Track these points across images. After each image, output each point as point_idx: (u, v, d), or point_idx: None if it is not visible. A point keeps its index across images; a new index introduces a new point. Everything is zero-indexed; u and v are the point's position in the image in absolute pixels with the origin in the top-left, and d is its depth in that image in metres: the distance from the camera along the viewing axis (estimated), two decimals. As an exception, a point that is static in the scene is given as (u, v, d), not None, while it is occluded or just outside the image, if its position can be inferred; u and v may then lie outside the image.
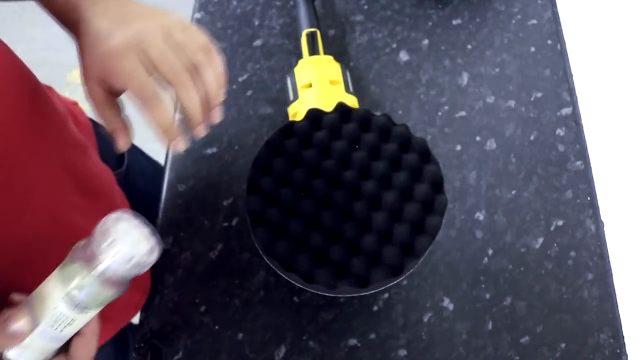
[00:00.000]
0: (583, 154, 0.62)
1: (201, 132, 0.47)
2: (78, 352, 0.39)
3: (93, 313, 0.38)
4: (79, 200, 0.49)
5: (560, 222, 0.58)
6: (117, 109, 0.45)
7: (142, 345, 0.52)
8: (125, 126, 0.45)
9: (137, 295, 0.55)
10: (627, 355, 0.53)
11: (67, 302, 0.36)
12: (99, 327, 0.42)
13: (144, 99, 0.41)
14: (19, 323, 0.35)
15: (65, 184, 0.48)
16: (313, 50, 0.63)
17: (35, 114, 0.44)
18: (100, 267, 0.35)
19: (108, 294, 0.36)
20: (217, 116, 0.47)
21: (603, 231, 0.58)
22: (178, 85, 0.42)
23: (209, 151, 0.63)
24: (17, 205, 0.41)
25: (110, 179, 0.59)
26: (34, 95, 0.45)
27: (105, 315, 0.46)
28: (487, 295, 0.55)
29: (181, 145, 0.44)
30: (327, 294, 0.50)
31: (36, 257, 0.43)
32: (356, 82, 0.65)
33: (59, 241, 0.41)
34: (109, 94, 0.44)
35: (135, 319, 0.58)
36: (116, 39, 0.41)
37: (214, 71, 0.44)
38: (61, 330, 0.37)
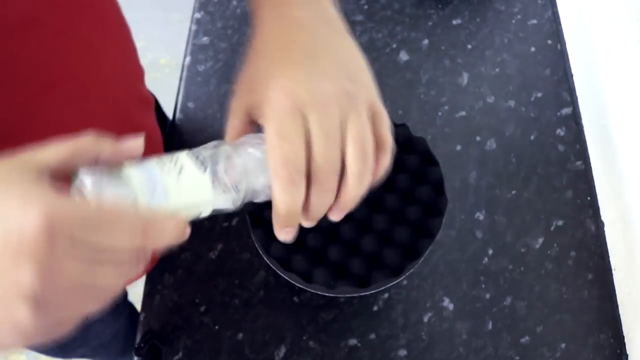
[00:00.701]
0: (583, 154, 0.62)
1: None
2: None
3: (185, 200, 0.33)
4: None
5: (560, 222, 0.58)
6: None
7: (143, 345, 0.52)
8: None
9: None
10: (627, 355, 0.53)
11: (189, 155, 0.33)
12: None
13: (282, 174, 0.33)
14: (137, 141, 0.31)
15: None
16: (313, 50, 0.63)
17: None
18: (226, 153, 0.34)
19: (207, 191, 0.33)
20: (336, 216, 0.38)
21: (603, 231, 0.58)
22: (317, 184, 0.34)
23: (209, 151, 0.63)
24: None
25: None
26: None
27: None
28: (487, 295, 0.55)
29: (290, 236, 0.37)
30: (327, 294, 0.50)
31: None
32: (356, 82, 0.65)
33: None
34: (248, 124, 0.37)
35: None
36: (282, 76, 0.33)
37: (367, 180, 0.35)
38: (160, 181, 0.32)
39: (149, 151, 0.33)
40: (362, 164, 0.34)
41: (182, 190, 0.33)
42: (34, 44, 0.38)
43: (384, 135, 0.36)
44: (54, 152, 0.28)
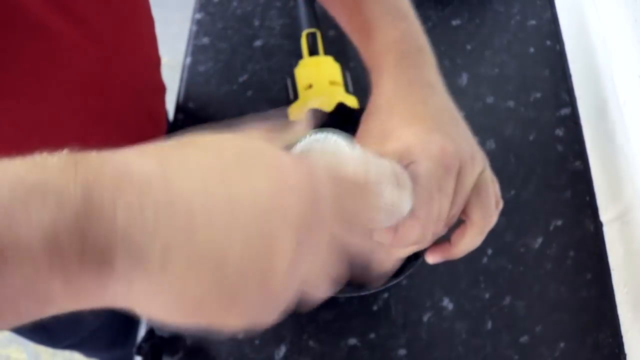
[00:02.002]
0: (582, 154, 0.62)
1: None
2: None
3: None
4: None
5: (559, 222, 0.58)
6: None
7: (143, 345, 0.52)
8: None
9: None
10: (625, 355, 0.53)
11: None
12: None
13: (424, 220, 0.33)
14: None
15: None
16: (313, 51, 0.64)
17: None
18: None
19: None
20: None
21: (602, 231, 0.59)
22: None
23: (209, 151, 0.63)
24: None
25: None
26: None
27: None
28: (487, 295, 0.55)
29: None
30: (327, 294, 0.50)
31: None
32: (356, 82, 0.65)
33: None
34: None
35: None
36: (433, 132, 0.34)
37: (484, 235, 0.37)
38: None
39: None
40: (485, 222, 0.36)
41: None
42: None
43: (498, 195, 0.38)
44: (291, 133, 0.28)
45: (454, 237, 0.37)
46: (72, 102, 0.43)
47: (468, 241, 0.37)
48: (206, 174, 0.22)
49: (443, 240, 0.38)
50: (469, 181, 0.34)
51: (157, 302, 0.22)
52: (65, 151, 0.21)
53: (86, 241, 0.20)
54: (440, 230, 0.34)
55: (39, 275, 0.20)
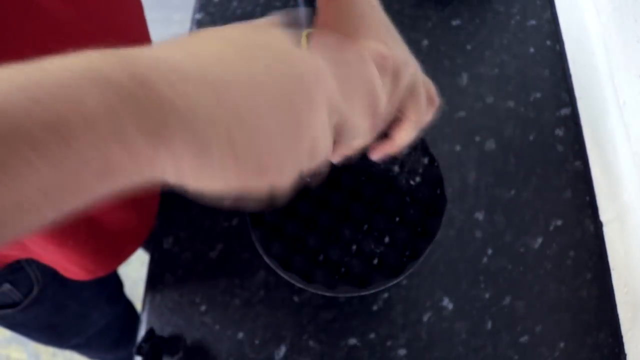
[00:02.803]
0: (582, 154, 0.62)
1: None
2: None
3: None
4: None
5: (559, 222, 0.58)
6: None
7: (143, 345, 0.53)
8: None
9: (141, 228, 0.59)
10: (625, 355, 0.53)
11: None
12: None
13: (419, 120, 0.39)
14: None
15: None
16: (313, 51, 0.64)
17: None
18: None
19: None
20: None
21: (602, 231, 0.59)
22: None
23: (209, 151, 0.63)
24: None
25: None
26: None
27: (114, 244, 0.48)
28: (487, 295, 0.55)
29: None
30: (326, 294, 0.50)
31: None
32: (356, 82, 0.65)
33: None
34: None
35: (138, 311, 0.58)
36: (373, 39, 0.39)
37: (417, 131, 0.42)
38: None
39: None
40: (418, 118, 0.40)
41: None
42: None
43: (434, 95, 0.43)
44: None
45: (392, 133, 0.41)
46: None
47: (404, 135, 0.41)
48: (226, 57, 0.26)
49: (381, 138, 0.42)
50: (403, 81, 0.38)
51: (202, 174, 0.25)
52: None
53: (141, 113, 0.22)
54: (379, 126, 0.38)
55: (102, 146, 0.21)
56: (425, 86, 0.42)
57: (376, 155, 0.42)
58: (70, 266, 0.57)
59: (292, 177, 0.29)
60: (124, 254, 0.62)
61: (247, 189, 0.27)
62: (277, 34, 0.28)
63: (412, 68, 0.40)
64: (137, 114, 0.22)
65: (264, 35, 0.28)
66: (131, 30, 0.53)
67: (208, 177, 0.25)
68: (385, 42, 0.40)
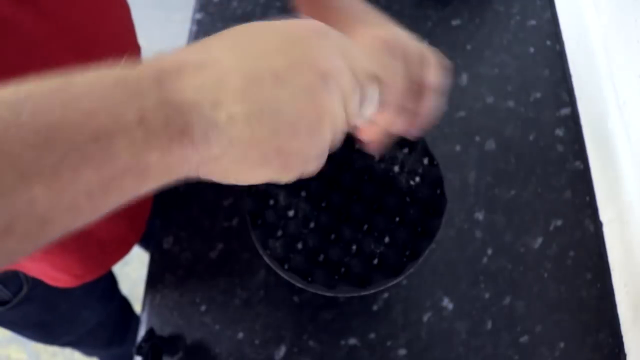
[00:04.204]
0: (582, 154, 0.62)
1: None
2: None
3: None
4: None
5: (559, 222, 0.58)
6: None
7: (143, 345, 0.53)
8: None
9: (131, 235, 0.60)
10: (625, 354, 0.53)
11: None
12: None
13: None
14: None
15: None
16: (313, 51, 0.63)
17: None
18: None
19: None
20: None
21: (602, 231, 0.59)
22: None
23: (209, 151, 0.63)
24: None
25: None
26: None
27: (103, 250, 0.46)
28: (487, 295, 0.55)
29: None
30: (327, 294, 0.50)
31: None
32: (356, 82, 0.65)
33: None
34: None
35: (137, 311, 0.58)
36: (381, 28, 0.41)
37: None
38: None
39: None
40: (439, 85, 0.42)
41: None
42: None
43: (440, 57, 0.43)
44: None
45: (419, 109, 0.42)
46: None
47: (429, 104, 0.42)
48: (242, 51, 0.27)
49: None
50: (413, 56, 0.40)
51: (229, 170, 0.27)
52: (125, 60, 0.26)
53: (169, 117, 0.24)
54: (403, 103, 0.40)
55: (138, 150, 0.24)
56: (430, 53, 0.43)
57: (416, 132, 0.43)
58: (57, 273, 0.57)
59: (318, 160, 0.30)
60: (112, 260, 0.62)
61: (276, 179, 0.29)
62: (298, 23, 0.30)
63: (413, 42, 0.41)
64: (166, 120, 0.24)
65: (286, 27, 0.29)
66: (119, 39, 0.52)
67: (235, 173, 0.28)
68: (381, 25, 0.42)
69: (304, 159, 0.28)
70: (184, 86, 0.25)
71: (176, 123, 0.24)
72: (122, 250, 0.62)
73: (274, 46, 0.28)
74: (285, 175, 0.29)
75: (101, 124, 0.23)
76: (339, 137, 0.31)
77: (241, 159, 0.27)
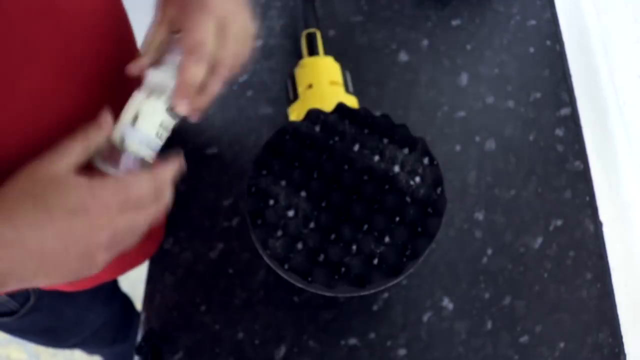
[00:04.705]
0: (582, 154, 0.62)
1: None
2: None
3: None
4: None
5: (559, 222, 0.58)
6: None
7: (143, 345, 0.53)
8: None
9: (148, 244, 0.60)
10: (625, 355, 0.53)
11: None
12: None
13: (198, 55, 0.44)
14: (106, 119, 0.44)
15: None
16: (313, 51, 0.64)
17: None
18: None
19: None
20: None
21: (602, 231, 0.59)
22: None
23: (209, 151, 0.63)
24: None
25: None
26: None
27: (120, 258, 0.50)
28: (487, 295, 0.55)
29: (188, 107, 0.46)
30: (326, 294, 0.50)
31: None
32: (356, 82, 0.65)
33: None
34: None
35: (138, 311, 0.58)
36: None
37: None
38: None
39: None
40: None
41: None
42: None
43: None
44: (72, 157, 0.40)
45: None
46: (32, 65, 0.43)
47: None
48: (40, 225, 0.37)
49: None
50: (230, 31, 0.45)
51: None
52: None
53: None
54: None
55: None
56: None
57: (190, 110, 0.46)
58: (68, 285, 0.58)
59: (102, 265, 0.40)
60: (130, 266, 0.62)
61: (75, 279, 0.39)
62: (74, 192, 0.39)
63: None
64: None
65: (64, 198, 0.38)
66: (104, 18, 0.51)
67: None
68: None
69: (87, 273, 0.40)
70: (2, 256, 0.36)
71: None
72: (139, 259, 0.62)
73: (66, 228, 0.38)
74: (76, 278, 0.40)
75: None
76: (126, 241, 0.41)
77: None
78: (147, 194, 0.41)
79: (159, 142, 0.45)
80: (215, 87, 0.47)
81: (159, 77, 0.45)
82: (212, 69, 0.46)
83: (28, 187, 0.39)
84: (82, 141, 0.41)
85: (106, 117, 0.43)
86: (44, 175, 0.39)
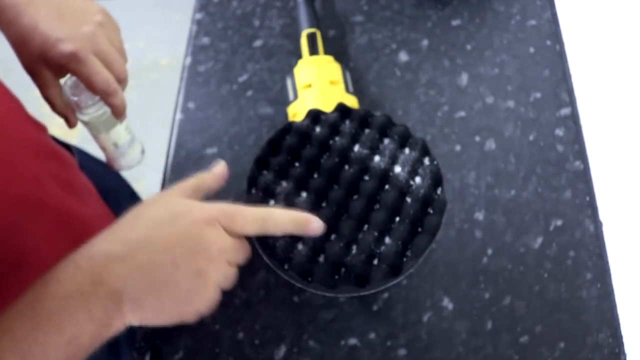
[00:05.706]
0: (582, 154, 0.62)
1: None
2: None
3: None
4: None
5: (559, 222, 0.58)
6: (60, 89, 0.52)
7: (143, 344, 0.53)
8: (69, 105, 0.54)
9: None
10: (625, 355, 0.53)
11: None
12: None
13: (111, 89, 0.51)
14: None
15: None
16: (313, 51, 0.64)
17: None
18: None
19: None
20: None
21: (602, 231, 0.59)
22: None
23: (209, 151, 0.63)
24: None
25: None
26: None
27: None
28: (487, 295, 0.55)
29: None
30: (326, 294, 0.50)
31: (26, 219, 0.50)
32: (356, 82, 0.65)
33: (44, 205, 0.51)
34: (53, 76, 0.51)
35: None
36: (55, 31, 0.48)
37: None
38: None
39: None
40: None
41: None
42: None
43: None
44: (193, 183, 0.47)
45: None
46: None
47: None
48: (151, 239, 0.41)
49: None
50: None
51: (147, 321, 0.41)
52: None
53: (98, 304, 0.38)
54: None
55: (92, 337, 0.39)
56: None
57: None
58: None
59: (208, 302, 0.42)
60: None
61: (181, 320, 0.41)
62: (187, 209, 0.42)
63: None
64: (97, 304, 0.38)
65: (177, 214, 0.42)
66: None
67: (151, 321, 0.41)
68: (69, 32, 0.49)
69: (199, 310, 0.42)
70: (111, 278, 0.38)
71: (103, 306, 0.38)
72: None
73: (174, 240, 0.40)
74: (184, 317, 0.42)
75: (61, 321, 0.37)
76: (230, 278, 0.44)
77: (152, 317, 0.41)
78: (253, 226, 0.45)
79: (129, 133, 0.62)
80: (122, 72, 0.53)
81: (98, 119, 0.56)
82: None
83: (139, 209, 0.42)
84: (195, 180, 0.48)
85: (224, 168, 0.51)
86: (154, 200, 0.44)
